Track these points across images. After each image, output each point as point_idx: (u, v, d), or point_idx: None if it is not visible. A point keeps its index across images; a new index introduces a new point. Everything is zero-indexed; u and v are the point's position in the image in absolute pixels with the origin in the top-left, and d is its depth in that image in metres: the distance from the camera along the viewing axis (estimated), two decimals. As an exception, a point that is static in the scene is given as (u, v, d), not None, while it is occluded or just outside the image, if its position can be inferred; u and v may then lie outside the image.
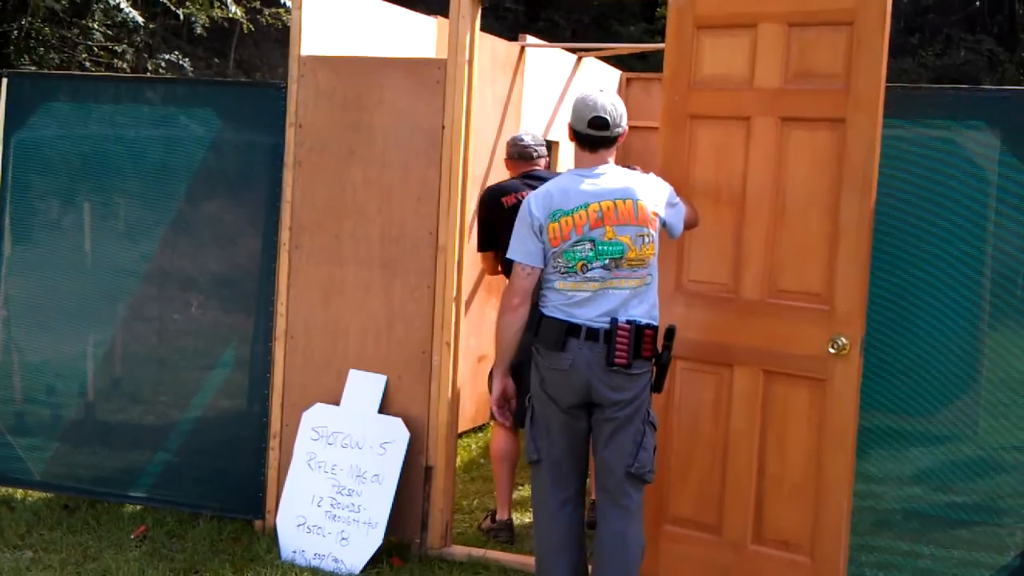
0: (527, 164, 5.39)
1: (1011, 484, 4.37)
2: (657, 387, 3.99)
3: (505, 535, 5.29)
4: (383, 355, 5.02)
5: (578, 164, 4.07)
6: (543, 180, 4.65)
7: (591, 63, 8.61)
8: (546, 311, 3.94)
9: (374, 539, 4.82)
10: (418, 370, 4.97)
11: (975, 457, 4.41)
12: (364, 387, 5.01)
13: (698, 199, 4.42)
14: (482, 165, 6.59)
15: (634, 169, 4.33)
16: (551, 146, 7.99)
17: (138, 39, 14.50)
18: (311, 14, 5.09)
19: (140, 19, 12.59)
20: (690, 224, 4.29)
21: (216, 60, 16.65)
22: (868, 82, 4.14)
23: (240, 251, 5.31)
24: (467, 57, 4.89)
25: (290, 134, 5.11)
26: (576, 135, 4.01)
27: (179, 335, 5.43)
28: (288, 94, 5.11)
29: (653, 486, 4.47)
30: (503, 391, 4.18)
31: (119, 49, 13.97)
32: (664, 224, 4.03)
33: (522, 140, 5.43)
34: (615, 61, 9.54)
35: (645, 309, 3.94)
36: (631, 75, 9.60)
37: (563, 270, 3.90)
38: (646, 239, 3.91)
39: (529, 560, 4.90)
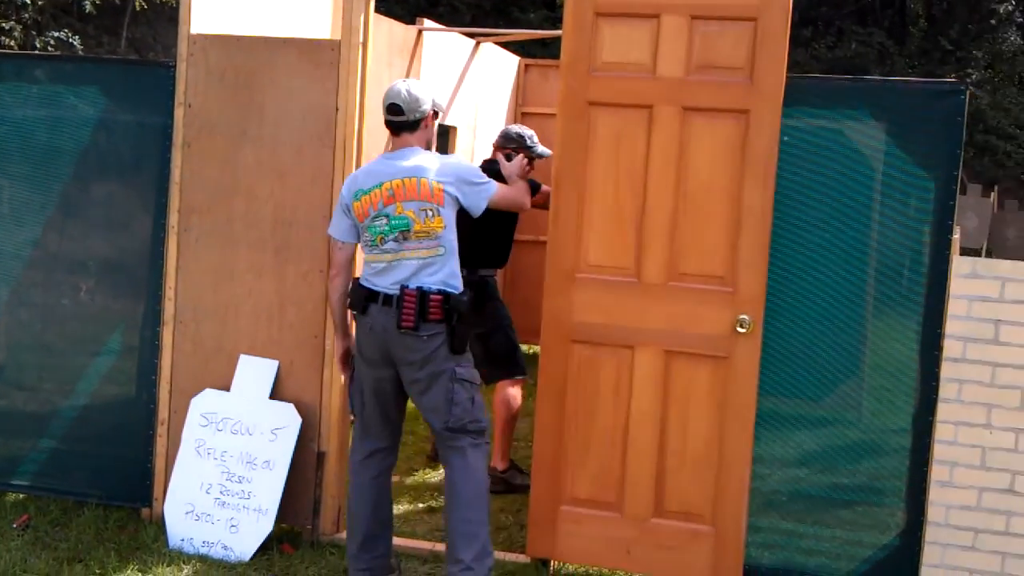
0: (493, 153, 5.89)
1: (892, 466, 4.47)
2: (453, 348, 4.24)
3: (498, 486, 5.59)
4: (275, 340, 4.94)
5: (389, 148, 4.44)
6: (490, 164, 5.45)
7: (489, 48, 8.59)
8: (359, 280, 4.37)
9: (264, 526, 4.75)
10: (310, 355, 4.91)
11: (858, 440, 4.52)
12: (255, 372, 4.93)
13: (597, 185, 4.46)
14: (378, 148, 6.51)
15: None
16: (448, 131, 7.97)
17: (26, 16, 14.08)
18: (202, -10, 4.98)
19: (28, -5, 12.23)
20: (510, 205, 4.63)
21: (107, 39, 16.24)
22: (771, 75, 4.27)
23: (127, 234, 5.15)
24: (361, 39, 4.83)
25: (179, 114, 4.98)
26: (385, 123, 4.37)
27: (65, 320, 5.25)
28: (177, 73, 4.98)
29: (549, 470, 4.53)
30: (344, 351, 4.54)
31: (6, 26, 13.54)
32: (459, 200, 4.29)
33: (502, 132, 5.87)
34: (514, 47, 9.54)
35: (439, 278, 4.24)
36: (529, 61, 9.61)
37: (368, 243, 4.30)
38: (430, 212, 4.22)
39: (423, 544, 4.91)
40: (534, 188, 5.52)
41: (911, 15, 24.57)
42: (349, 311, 4.45)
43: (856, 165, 4.39)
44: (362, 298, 4.29)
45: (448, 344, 4.22)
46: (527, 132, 5.75)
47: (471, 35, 8.35)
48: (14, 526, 4.91)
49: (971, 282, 4.26)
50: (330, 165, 4.83)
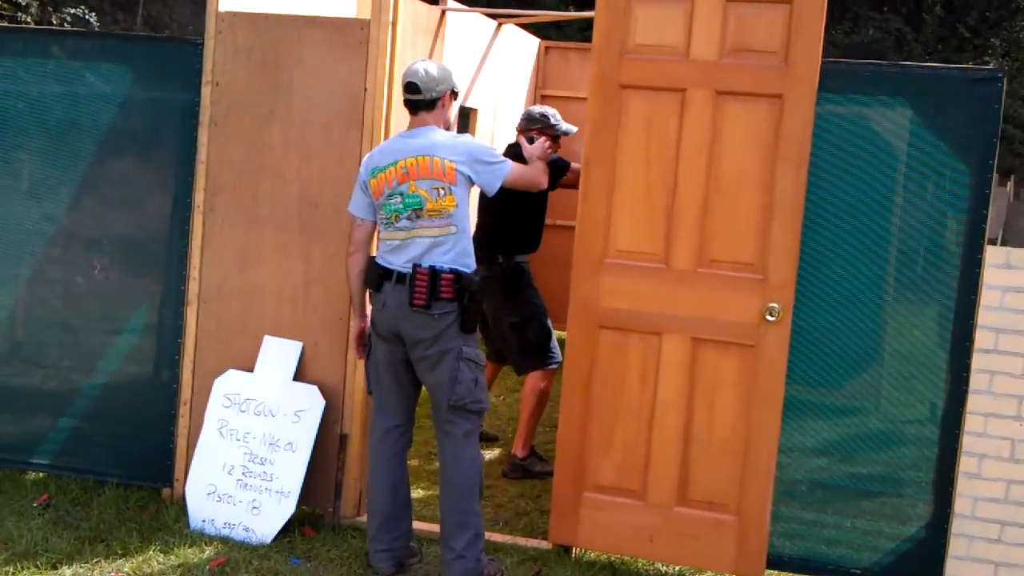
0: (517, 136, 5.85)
1: (911, 456, 4.44)
2: (465, 326, 4.28)
3: (516, 473, 5.76)
4: (299, 321, 4.91)
5: (408, 127, 4.43)
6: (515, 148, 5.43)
7: (510, 30, 8.52)
8: (375, 257, 4.41)
9: (286, 508, 4.73)
10: (335, 337, 4.88)
11: (885, 430, 4.48)
12: (279, 353, 4.91)
13: (627, 169, 4.42)
14: (401, 128, 6.47)
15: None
16: (469, 113, 7.93)
17: (43, -9, 14.06)
18: (230, -32, 4.94)
19: (45, -29, 12.18)
20: (527, 184, 4.61)
21: (122, 15, 16.20)
22: (806, 60, 4.23)
23: (152, 212, 5.12)
24: (390, 18, 4.79)
25: (206, 92, 4.95)
26: (404, 102, 4.40)
27: (86, 298, 5.22)
28: (205, 51, 4.95)
29: (573, 456, 4.51)
30: (360, 330, 4.59)
31: (23, 2, 13.50)
32: (471, 179, 4.31)
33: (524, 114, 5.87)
34: (532, 29, 9.48)
35: (451, 257, 4.27)
36: (549, 43, 9.55)
37: (384, 221, 4.35)
38: (442, 191, 4.25)
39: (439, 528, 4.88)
40: (563, 167, 5.48)
41: (927, 2, 24.43)
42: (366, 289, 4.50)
43: (890, 152, 4.35)
44: (376, 276, 4.34)
45: (459, 323, 4.25)
46: (550, 111, 5.72)
47: (493, 16, 8.28)
48: (34, 505, 4.90)
49: (1004, 272, 4.22)
50: (357, 146, 4.80)
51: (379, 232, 4.41)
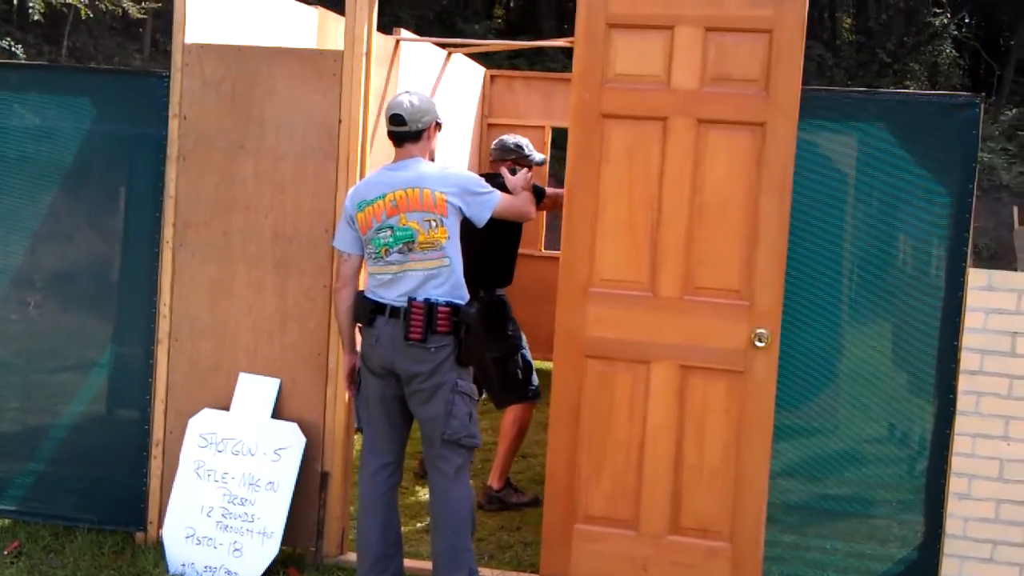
0: (491, 166, 5.75)
1: (902, 478, 4.48)
2: (459, 360, 4.20)
3: (493, 505, 5.70)
4: (276, 358, 4.81)
5: (393, 159, 4.37)
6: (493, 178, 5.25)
7: (459, 59, 8.51)
8: (364, 292, 4.33)
9: (270, 549, 4.62)
10: (313, 373, 4.79)
11: (875, 453, 4.50)
12: (256, 391, 4.80)
13: (610, 198, 4.41)
14: (380, 161, 6.41)
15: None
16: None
17: (-35, 24, 13.75)
18: (195, 0, 4.85)
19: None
20: (516, 215, 4.60)
21: (47, 47, 15.89)
22: (787, 88, 4.26)
23: (119, 249, 4.99)
24: (364, 49, 4.73)
25: (173, 126, 4.85)
26: (388, 134, 4.34)
27: (50, 338, 5.07)
28: (172, 83, 4.84)
29: (562, 487, 4.47)
30: (351, 367, 4.48)
31: (-54, 34, 13.21)
32: (462, 211, 4.25)
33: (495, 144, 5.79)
34: (479, 58, 9.48)
35: (445, 290, 4.21)
36: (495, 72, 9.57)
37: (372, 255, 4.27)
38: (433, 223, 4.19)
39: (428, 565, 4.79)
40: (539, 193, 5.46)
41: (840, 29, 24.94)
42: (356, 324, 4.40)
43: (871, 178, 4.39)
44: (368, 310, 4.25)
45: (454, 356, 4.19)
46: (523, 141, 5.71)
47: (443, 46, 8.26)
48: (5, 553, 4.73)
49: (987, 294, 4.28)
50: (333, 178, 4.73)
51: (367, 266, 4.33)
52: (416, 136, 4.30)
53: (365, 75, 4.75)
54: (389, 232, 4.21)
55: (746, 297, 4.36)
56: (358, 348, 4.43)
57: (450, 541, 4.24)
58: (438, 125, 4.40)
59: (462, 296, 4.26)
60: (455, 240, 4.24)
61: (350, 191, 4.40)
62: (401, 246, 4.19)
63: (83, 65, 13.62)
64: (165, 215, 4.85)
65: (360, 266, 4.39)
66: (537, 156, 5.67)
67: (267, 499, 4.67)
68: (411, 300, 4.16)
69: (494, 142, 5.77)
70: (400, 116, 4.25)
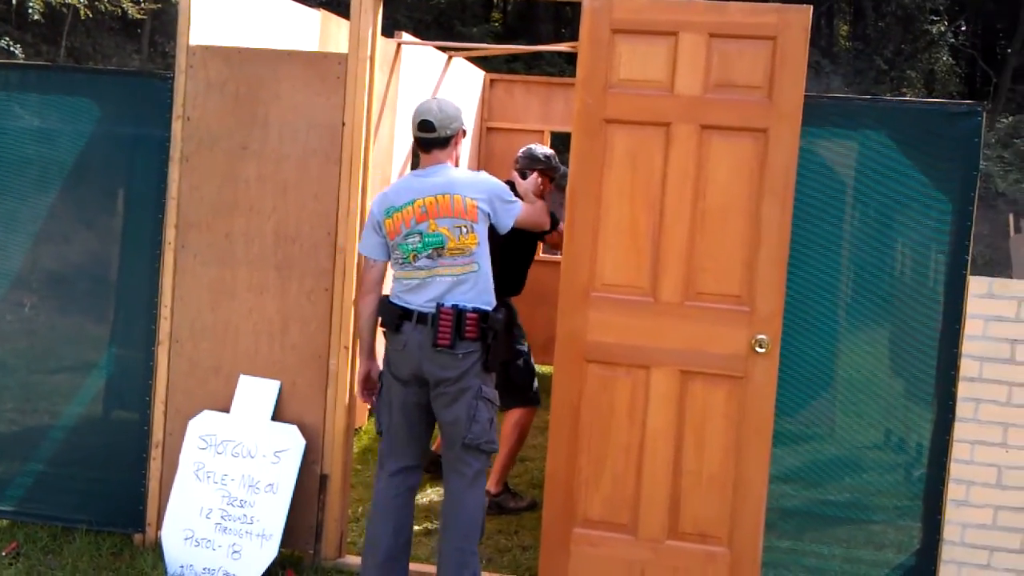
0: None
1: (873, 482, 4.50)
2: (486, 366, 4.25)
3: (491, 509, 5.50)
4: (276, 360, 4.82)
5: (420, 165, 4.43)
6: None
7: (459, 63, 8.52)
8: (389, 297, 4.34)
9: (269, 551, 4.62)
10: (314, 375, 4.79)
11: (874, 459, 4.52)
12: (256, 393, 4.80)
13: (612, 203, 4.42)
14: (378, 163, 6.41)
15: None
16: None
17: (-36, 24, 13.75)
18: (199, 2, 4.85)
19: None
20: (533, 224, 4.63)
21: (46, 48, 15.89)
22: (790, 94, 4.27)
23: (120, 250, 5.00)
24: (369, 53, 4.74)
25: (176, 127, 4.85)
26: (414, 140, 4.40)
27: (50, 339, 5.07)
28: (175, 85, 4.85)
29: (562, 491, 4.48)
30: (366, 373, 4.51)
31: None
32: (489, 217, 4.31)
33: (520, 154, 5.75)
34: (479, 62, 9.49)
35: (473, 295, 4.24)
36: (495, 76, 9.57)
37: (400, 261, 4.30)
38: (464, 229, 4.23)
39: (427, 568, 4.81)
40: (553, 221, 5.42)
41: (837, 36, 25.00)
42: (380, 329, 4.42)
43: (873, 185, 4.41)
44: (395, 316, 4.26)
45: (482, 362, 4.22)
46: (550, 152, 5.71)
47: (443, 49, 8.27)
48: (3, 554, 4.73)
49: (987, 302, 4.30)
50: (335, 181, 4.74)
51: (393, 271, 4.36)
52: (444, 142, 4.36)
53: (369, 78, 4.76)
54: (418, 238, 4.24)
55: (747, 303, 4.37)
56: (375, 354, 4.48)
57: (460, 544, 4.26)
58: (463, 132, 4.46)
59: (489, 302, 4.28)
60: (484, 246, 4.28)
61: (377, 196, 4.41)
62: (430, 251, 4.22)
63: (87, 66, 13.61)
64: (167, 216, 4.86)
65: (385, 272, 4.42)
66: (562, 168, 5.68)
67: (266, 501, 4.68)
68: (439, 306, 4.18)
69: (521, 150, 5.75)
70: (430, 122, 4.32)
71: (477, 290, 4.25)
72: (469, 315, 4.17)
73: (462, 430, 4.21)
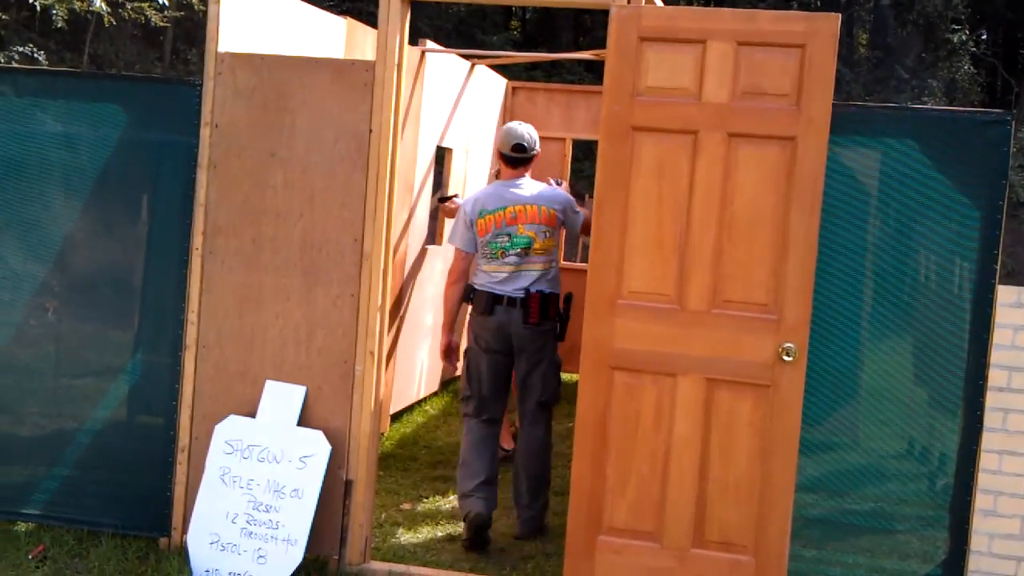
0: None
1: (928, 494, 4.48)
2: (560, 337, 5.43)
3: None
4: (302, 365, 4.83)
5: (504, 177, 5.46)
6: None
7: (482, 71, 8.54)
8: (478, 286, 5.35)
9: (294, 556, 4.63)
10: (339, 381, 4.81)
11: (901, 469, 4.51)
12: (282, 398, 4.82)
13: (639, 210, 4.42)
14: (402, 169, 6.43)
15: (557, 183, 5.70)
16: (445, 153, 7.92)
17: (-10, 30, 13.85)
18: (227, 9, 4.88)
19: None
20: (585, 230, 5.47)
21: (69, 55, 15.98)
22: (818, 103, 4.27)
23: (149, 255, 5.02)
24: (396, 60, 4.76)
25: (204, 134, 4.88)
26: (503, 156, 5.44)
27: (78, 343, 5.11)
28: (204, 92, 4.88)
29: (587, 498, 4.48)
30: (447, 344, 5.62)
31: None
32: (564, 224, 5.43)
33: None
34: (501, 69, 9.52)
35: (550, 284, 5.34)
36: (517, 84, 9.59)
37: (488, 255, 5.32)
38: (547, 234, 5.33)
39: (452, 575, 4.81)
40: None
41: (857, 44, 24.94)
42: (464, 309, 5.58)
43: (901, 193, 4.40)
44: (489, 301, 5.27)
45: (555, 335, 5.36)
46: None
47: (467, 57, 8.29)
48: (30, 557, 4.75)
49: (1016, 311, 4.28)
50: (362, 188, 4.75)
51: (480, 264, 5.34)
52: (528, 161, 5.43)
53: (396, 86, 4.77)
54: (507, 238, 5.26)
55: (774, 311, 4.37)
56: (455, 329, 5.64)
57: (536, 473, 5.39)
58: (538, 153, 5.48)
59: (558, 289, 5.37)
60: (558, 246, 5.41)
61: (469, 199, 5.45)
62: (519, 250, 5.26)
63: (116, 73, 13.70)
64: (195, 222, 4.88)
65: (471, 263, 5.43)
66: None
67: (292, 506, 4.69)
68: (528, 291, 5.24)
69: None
70: (522, 145, 5.38)
71: (551, 280, 5.34)
72: (551, 298, 5.27)
73: (538, 390, 5.34)
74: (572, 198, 5.47)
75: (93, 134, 5.02)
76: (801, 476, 4.47)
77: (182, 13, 15.08)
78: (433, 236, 8.17)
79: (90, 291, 5.12)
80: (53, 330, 5.11)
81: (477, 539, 5.18)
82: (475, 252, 5.36)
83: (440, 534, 5.43)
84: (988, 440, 4.31)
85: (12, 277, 5.09)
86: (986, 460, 4.31)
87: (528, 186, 5.35)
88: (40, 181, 5.05)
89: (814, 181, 4.30)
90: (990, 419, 4.30)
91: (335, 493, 4.80)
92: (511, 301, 5.23)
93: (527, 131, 5.40)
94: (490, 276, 5.28)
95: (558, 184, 5.73)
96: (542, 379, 5.32)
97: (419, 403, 8.01)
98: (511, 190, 5.32)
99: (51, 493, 5.08)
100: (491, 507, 5.23)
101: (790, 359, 4.34)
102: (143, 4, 13.56)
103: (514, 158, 5.37)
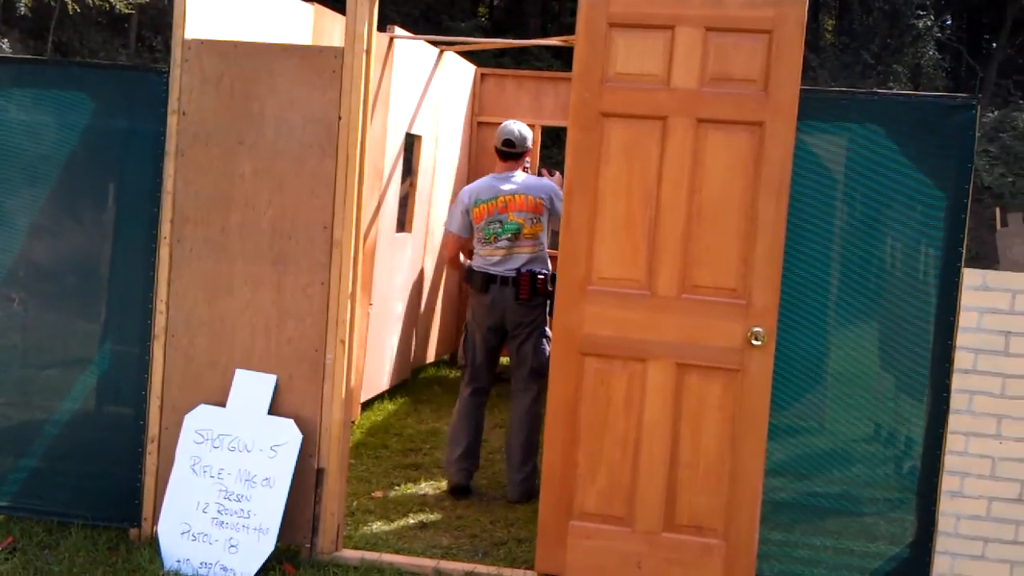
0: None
1: (894, 477, 4.52)
2: (550, 312, 5.52)
3: None
4: (272, 354, 4.81)
5: (498, 170, 6.00)
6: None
7: (450, 57, 8.53)
8: (475, 268, 5.91)
9: (266, 545, 4.62)
10: (310, 369, 4.79)
11: (860, 451, 4.56)
12: (252, 387, 4.80)
13: (608, 196, 4.44)
14: (371, 155, 6.41)
15: (550, 175, 6.24)
16: (414, 140, 7.90)
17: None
18: (194, -4, 4.85)
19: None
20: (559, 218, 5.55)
21: (32, 42, 15.82)
22: (786, 88, 4.29)
23: (115, 245, 4.99)
24: (365, 47, 4.74)
25: (172, 122, 4.84)
26: (496, 150, 6.00)
27: (45, 334, 5.07)
28: (171, 79, 4.84)
29: (558, 483, 4.50)
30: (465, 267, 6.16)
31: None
32: (550, 211, 5.86)
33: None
34: (470, 56, 9.50)
35: (539, 265, 5.86)
36: (485, 71, 9.58)
37: (483, 240, 5.87)
38: (534, 220, 5.85)
39: (425, 562, 4.82)
40: None
41: (823, 30, 25.06)
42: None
43: (867, 179, 4.43)
44: (484, 280, 5.82)
45: (545, 310, 5.81)
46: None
47: (435, 44, 8.27)
48: (-1, 549, 4.73)
49: (981, 294, 4.32)
50: (331, 175, 4.73)
51: (476, 248, 5.88)
52: (518, 156, 5.97)
53: (365, 73, 4.76)
54: (499, 224, 5.80)
55: (743, 296, 4.40)
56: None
57: (528, 438, 5.84)
58: (529, 150, 6.00)
59: (548, 269, 5.84)
60: (546, 231, 5.89)
61: (466, 189, 6.01)
62: (510, 235, 5.79)
63: (82, 60, 13.56)
64: (163, 211, 4.85)
65: (465, 246, 6.02)
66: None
67: (263, 495, 4.68)
68: (519, 271, 5.77)
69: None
70: (512, 141, 5.93)
71: (540, 261, 5.86)
72: (539, 277, 5.78)
73: (531, 360, 5.85)
74: (558, 187, 5.83)
75: (59, 122, 4.98)
76: (769, 460, 4.50)
77: (146, 0, 14.96)
78: (402, 224, 8.16)
79: (57, 281, 5.07)
80: (19, 320, 5.07)
81: (460, 495, 5.88)
82: (469, 236, 5.93)
83: (412, 521, 5.43)
84: (954, 422, 4.35)
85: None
86: (952, 442, 4.36)
87: (518, 178, 5.88)
88: (5, 169, 5.00)
89: (782, 166, 4.32)
90: (956, 401, 4.35)
91: (306, 482, 4.80)
92: (504, 280, 5.78)
93: (518, 128, 5.93)
94: (485, 259, 5.83)
95: (551, 176, 6.21)
96: (533, 349, 5.84)
97: (389, 391, 8.01)
98: (502, 181, 5.87)
99: (20, 485, 5.04)
100: (469, 477, 5.91)
101: (759, 343, 4.37)
102: (108, -9, 13.44)
103: (504, 152, 5.93)
